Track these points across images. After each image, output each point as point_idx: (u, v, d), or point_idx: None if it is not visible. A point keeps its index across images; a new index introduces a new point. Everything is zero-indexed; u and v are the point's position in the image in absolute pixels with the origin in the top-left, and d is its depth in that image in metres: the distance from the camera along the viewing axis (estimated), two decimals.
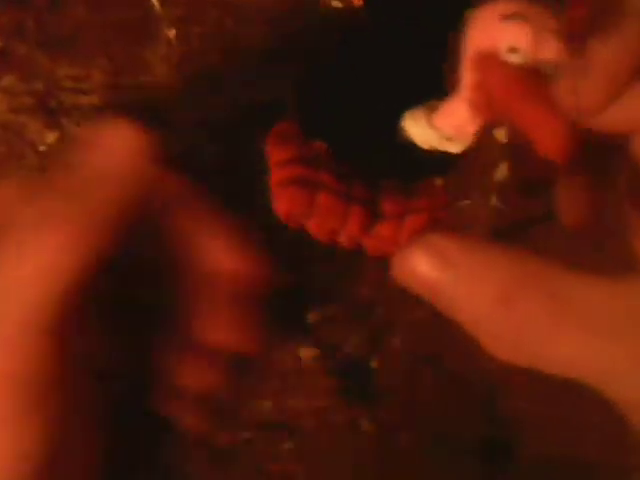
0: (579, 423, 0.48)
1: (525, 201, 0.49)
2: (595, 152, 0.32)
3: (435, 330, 0.48)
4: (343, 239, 0.32)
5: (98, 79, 0.48)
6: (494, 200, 0.48)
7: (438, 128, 0.31)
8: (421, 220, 0.32)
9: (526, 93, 0.29)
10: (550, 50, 0.29)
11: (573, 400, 0.47)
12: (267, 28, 0.48)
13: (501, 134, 0.48)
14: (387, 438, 0.48)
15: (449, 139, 0.31)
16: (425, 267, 0.29)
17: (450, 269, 0.28)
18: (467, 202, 0.48)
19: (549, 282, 0.28)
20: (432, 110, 0.32)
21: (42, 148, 0.48)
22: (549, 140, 0.29)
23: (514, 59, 0.29)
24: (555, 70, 0.29)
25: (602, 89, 0.29)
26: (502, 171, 0.48)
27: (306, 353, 0.48)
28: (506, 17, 0.29)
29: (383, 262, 0.47)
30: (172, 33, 0.48)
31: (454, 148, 0.32)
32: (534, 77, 0.29)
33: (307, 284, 0.46)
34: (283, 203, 0.32)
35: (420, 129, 0.32)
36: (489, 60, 0.29)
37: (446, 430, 0.48)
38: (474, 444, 0.48)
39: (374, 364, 0.48)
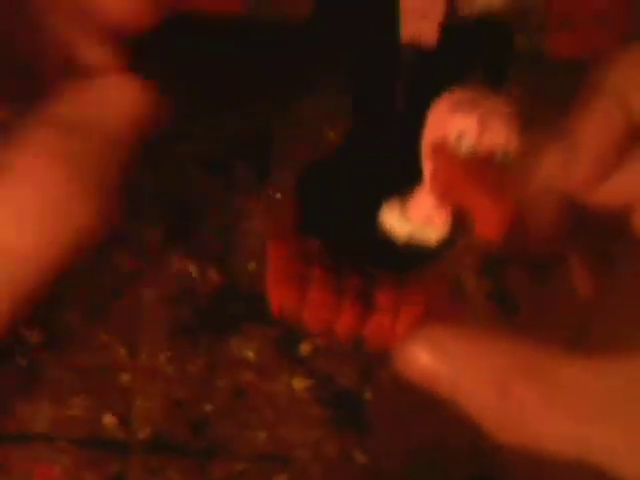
0: (566, 465, 0.48)
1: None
2: (595, 232, 0.33)
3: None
4: (339, 331, 0.32)
5: None
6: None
7: (411, 219, 0.32)
8: (417, 311, 0.32)
9: (468, 178, 0.30)
10: (499, 136, 0.30)
11: None
12: None
13: None
14: (379, 470, 0.48)
15: (423, 229, 0.32)
16: (425, 360, 0.30)
17: (449, 361, 0.30)
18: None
19: (540, 367, 0.29)
20: (405, 201, 0.32)
21: None
22: (486, 224, 0.30)
23: (462, 146, 0.30)
24: (507, 156, 0.30)
25: (590, 168, 0.30)
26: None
27: (299, 384, 0.48)
28: (456, 106, 0.30)
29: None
30: None
31: (429, 238, 0.32)
32: (481, 163, 0.30)
33: None
34: (275, 299, 0.32)
35: (395, 221, 0.33)
36: (440, 148, 0.30)
37: (436, 464, 0.48)
38: (464, 475, 0.48)
39: (367, 395, 0.49)
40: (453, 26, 0.38)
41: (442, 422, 0.48)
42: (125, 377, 0.48)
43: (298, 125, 0.48)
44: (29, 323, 0.48)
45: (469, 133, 0.30)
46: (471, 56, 0.39)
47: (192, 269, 0.48)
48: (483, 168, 0.30)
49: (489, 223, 0.30)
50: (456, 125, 0.30)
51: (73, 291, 0.48)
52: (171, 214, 0.48)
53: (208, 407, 0.48)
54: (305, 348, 0.48)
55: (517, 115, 0.30)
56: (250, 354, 0.48)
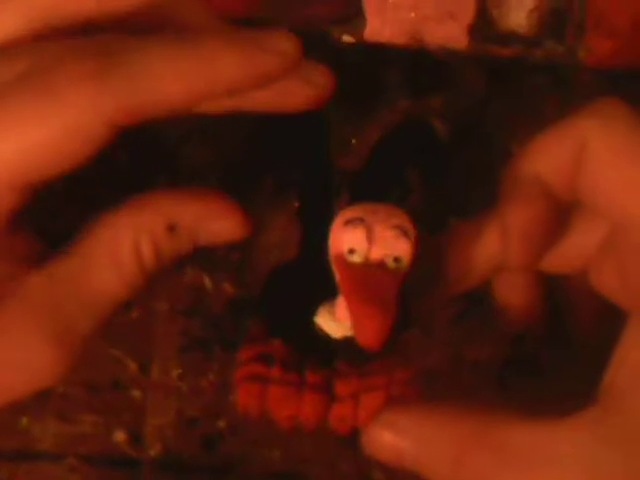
0: None
1: None
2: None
3: (445, 378, 0.47)
4: (303, 423, 0.35)
5: None
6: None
7: (340, 320, 0.34)
8: (377, 398, 0.34)
9: (351, 288, 0.33)
10: (387, 247, 0.33)
11: None
12: None
13: None
14: None
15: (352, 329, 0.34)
16: (387, 441, 0.34)
17: (409, 439, 0.33)
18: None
19: (494, 435, 0.31)
20: (335, 304, 0.35)
21: None
22: (362, 333, 0.33)
23: (354, 259, 0.33)
24: (400, 262, 0.33)
25: (523, 251, 0.34)
26: None
27: None
28: (346, 223, 0.33)
29: None
30: None
31: None
32: (374, 272, 0.33)
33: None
34: (240, 399, 0.36)
35: (327, 322, 0.35)
36: (338, 260, 0.33)
37: None
38: None
39: None
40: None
41: None
42: (136, 393, 0.46)
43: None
44: None
45: (358, 247, 0.33)
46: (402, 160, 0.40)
47: (206, 281, 0.46)
48: (374, 277, 0.33)
49: (364, 332, 0.33)
50: (347, 240, 0.33)
51: None
52: None
53: (221, 424, 0.47)
54: None
55: (409, 223, 0.34)
56: None
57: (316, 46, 0.44)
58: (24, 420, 0.46)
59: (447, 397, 0.47)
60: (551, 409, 0.33)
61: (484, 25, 0.45)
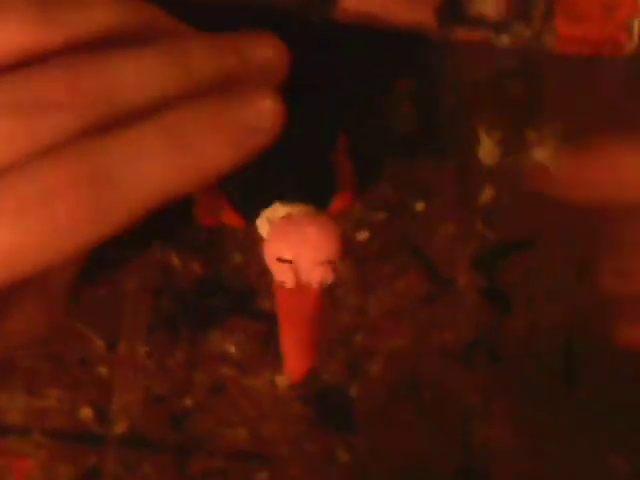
0: (554, 455, 0.47)
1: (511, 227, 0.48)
2: None
3: (414, 359, 0.47)
4: None
5: None
6: (479, 225, 0.47)
7: None
8: None
9: (283, 319, 0.39)
10: (317, 277, 0.37)
11: (550, 431, 0.47)
12: None
13: (487, 155, 0.47)
14: (363, 468, 0.47)
15: None
16: None
17: None
18: (450, 226, 0.47)
19: None
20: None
21: None
22: (289, 366, 0.39)
23: (286, 286, 0.38)
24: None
25: None
26: (487, 195, 0.47)
27: (282, 380, 0.47)
28: (276, 260, 0.37)
29: (365, 290, 0.47)
30: None
31: None
32: (299, 296, 0.38)
33: None
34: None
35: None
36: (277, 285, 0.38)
37: (422, 460, 0.47)
38: (449, 474, 0.47)
39: (352, 392, 0.47)
40: None
41: (429, 421, 0.47)
42: (103, 369, 0.47)
43: None
44: None
45: (287, 282, 0.37)
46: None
47: (174, 260, 0.47)
48: (301, 299, 0.38)
49: (290, 371, 0.40)
50: (276, 274, 0.38)
51: None
52: None
53: (187, 402, 0.47)
54: None
55: (335, 245, 0.38)
56: (232, 349, 0.47)
57: (283, 25, 0.45)
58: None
59: (412, 378, 0.47)
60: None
61: (452, 8, 0.46)
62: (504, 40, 0.46)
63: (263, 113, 0.32)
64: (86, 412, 0.47)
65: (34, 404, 0.47)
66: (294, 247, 0.38)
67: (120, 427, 0.47)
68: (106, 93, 0.30)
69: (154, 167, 0.31)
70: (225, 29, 0.38)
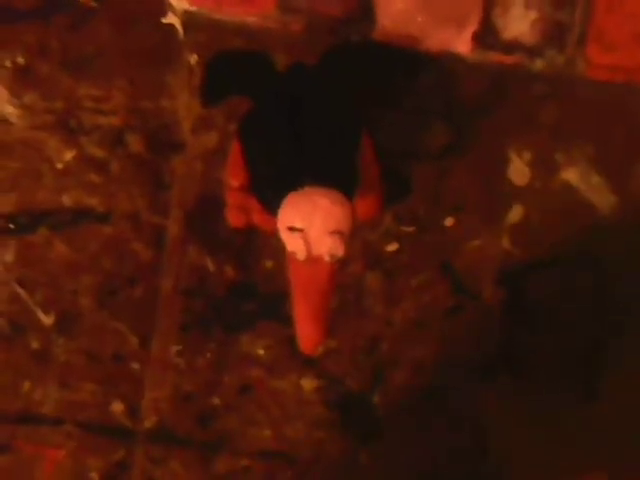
0: (571, 467, 0.48)
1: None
2: None
3: (437, 367, 0.48)
4: None
5: (118, 101, 0.48)
6: (505, 242, 0.49)
7: None
8: None
9: (296, 288, 0.40)
10: (327, 248, 0.39)
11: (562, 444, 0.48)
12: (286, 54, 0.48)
13: (516, 175, 0.49)
14: (384, 472, 0.49)
15: None
16: None
17: None
18: (477, 242, 0.48)
19: None
20: None
21: (59, 166, 0.48)
22: (300, 334, 0.40)
23: (298, 257, 0.39)
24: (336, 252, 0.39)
25: None
26: (515, 213, 0.49)
27: (308, 384, 0.49)
28: (288, 229, 0.39)
29: (390, 299, 0.48)
30: (194, 59, 0.48)
31: None
32: (311, 270, 0.39)
33: None
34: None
35: None
36: (291, 257, 0.39)
37: (441, 467, 0.49)
38: None
39: (376, 399, 0.49)
40: None
41: (450, 429, 0.49)
42: (135, 366, 0.48)
43: None
44: (44, 306, 0.48)
45: (298, 252, 0.39)
46: None
47: (208, 263, 0.48)
48: (314, 273, 0.39)
49: (303, 343, 0.40)
50: (289, 245, 0.39)
51: (89, 277, 0.48)
52: (192, 207, 0.48)
53: (215, 401, 0.48)
54: None
55: (345, 218, 0.39)
56: (260, 351, 0.48)
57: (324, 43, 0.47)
58: (26, 384, 0.48)
59: (435, 387, 0.48)
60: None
61: (488, 33, 0.47)
62: (538, 65, 0.48)
63: None
64: (117, 406, 0.48)
65: (68, 397, 0.48)
66: (305, 216, 0.39)
67: (149, 422, 0.48)
68: None
69: None
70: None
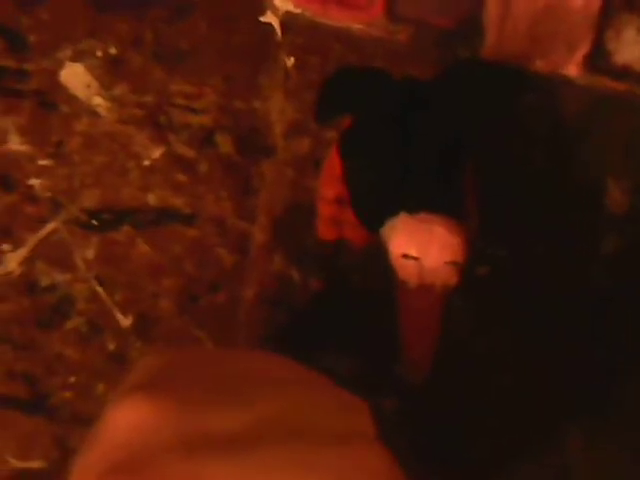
0: None
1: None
2: None
3: (518, 399, 0.47)
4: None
5: (210, 99, 0.47)
6: (596, 272, 0.48)
7: None
8: None
9: (404, 318, 0.40)
10: (441, 278, 0.38)
11: None
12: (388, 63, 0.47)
13: (614, 203, 0.47)
14: None
15: None
16: None
17: None
18: (568, 270, 0.47)
19: None
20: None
21: (146, 163, 0.47)
22: (411, 360, 0.40)
23: (409, 286, 0.38)
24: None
25: None
26: (611, 243, 0.47)
27: (389, 403, 0.47)
28: (402, 256, 0.38)
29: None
30: (291, 61, 0.47)
31: None
32: (425, 294, 0.38)
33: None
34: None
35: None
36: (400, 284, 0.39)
37: None
38: None
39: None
40: None
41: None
42: None
43: None
44: (123, 307, 0.46)
45: (411, 280, 0.38)
46: None
47: (294, 273, 0.47)
48: (423, 302, 0.39)
49: (411, 365, 0.40)
50: (402, 272, 0.38)
51: (170, 280, 0.47)
52: (279, 214, 0.47)
53: None
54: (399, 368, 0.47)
55: (460, 249, 0.37)
56: (341, 369, 0.47)
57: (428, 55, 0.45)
58: (100, 386, 0.47)
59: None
60: None
61: (599, 57, 0.46)
62: None
63: None
64: None
65: None
66: (421, 245, 0.38)
67: None
68: None
69: None
70: None
